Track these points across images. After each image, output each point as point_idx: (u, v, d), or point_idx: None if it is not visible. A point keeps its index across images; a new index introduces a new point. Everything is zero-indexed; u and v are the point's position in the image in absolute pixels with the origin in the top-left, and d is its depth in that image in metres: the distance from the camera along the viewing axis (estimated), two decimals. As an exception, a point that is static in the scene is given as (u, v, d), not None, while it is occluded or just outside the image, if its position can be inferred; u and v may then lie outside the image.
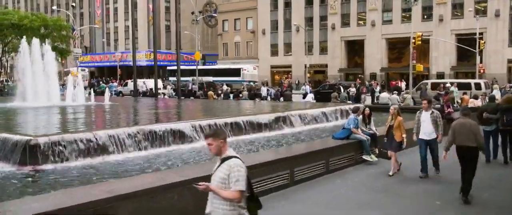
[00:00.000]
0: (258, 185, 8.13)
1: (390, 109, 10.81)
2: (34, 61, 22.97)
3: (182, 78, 38.94)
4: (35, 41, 23.61)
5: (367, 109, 12.15)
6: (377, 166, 11.03)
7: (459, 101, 23.85)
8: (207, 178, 4.42)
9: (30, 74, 22.89)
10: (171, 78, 56.76)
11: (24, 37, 23.98)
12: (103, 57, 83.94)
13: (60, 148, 10.11)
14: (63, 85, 37.91)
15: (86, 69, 74.68)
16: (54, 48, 56.49)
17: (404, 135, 10.37)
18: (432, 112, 10.07)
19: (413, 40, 33.10)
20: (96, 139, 11.05)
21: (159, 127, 12.86)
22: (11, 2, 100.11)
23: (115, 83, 53.64)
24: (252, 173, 9.15)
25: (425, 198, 8.47)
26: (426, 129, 9.97)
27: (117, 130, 12.06)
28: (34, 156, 9.78)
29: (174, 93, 38.54)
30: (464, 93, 25.13)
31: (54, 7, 72.56)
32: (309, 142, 13.57)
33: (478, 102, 19.27)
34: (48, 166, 9.87)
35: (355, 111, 11.72)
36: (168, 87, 43.68)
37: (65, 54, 55.42)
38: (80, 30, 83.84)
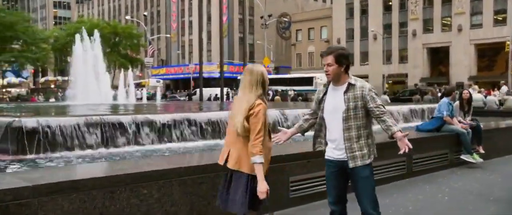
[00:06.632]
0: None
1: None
2: (85, 59, 21.83)
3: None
4: (85, 37, 22.55)
5: (465, 91, 8.86)
6: (483, 169, 7.83)
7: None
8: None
9: (82, 72, 21.69)
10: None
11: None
12: (177, 70, 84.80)
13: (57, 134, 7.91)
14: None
15: (161, 81, 75.59)
16: (125, 56, 57.07)
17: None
18: (351, 85, 3.59)
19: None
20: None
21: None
22: (96, 14, 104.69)
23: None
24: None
25: None
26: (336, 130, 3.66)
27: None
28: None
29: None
30: None
31: (128, 17, 73.97)
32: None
33: None
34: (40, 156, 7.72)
35: (448, 93, 8.49)
36: None
37: (135, 62, 55.63)
38: (157, 43, 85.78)
